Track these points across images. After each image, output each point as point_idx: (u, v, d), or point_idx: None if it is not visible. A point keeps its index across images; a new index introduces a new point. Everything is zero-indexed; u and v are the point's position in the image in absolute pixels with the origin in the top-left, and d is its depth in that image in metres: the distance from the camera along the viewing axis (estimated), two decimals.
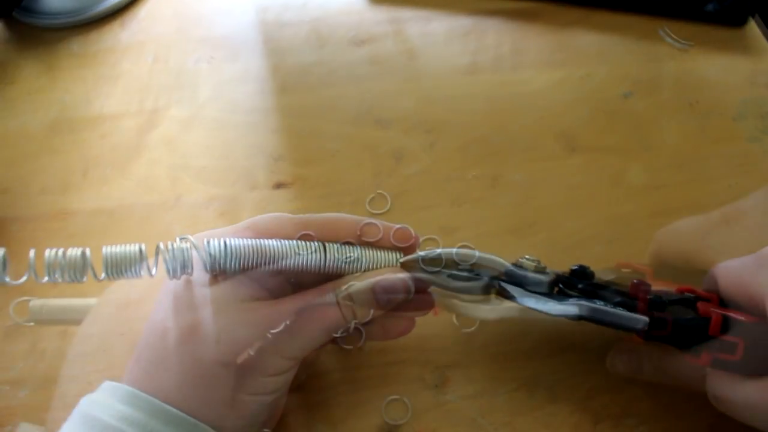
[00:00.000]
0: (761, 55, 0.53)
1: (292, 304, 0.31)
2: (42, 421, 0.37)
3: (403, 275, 0.33)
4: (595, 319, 0.32)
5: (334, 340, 0.39)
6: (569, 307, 0.32)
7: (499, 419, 0.37)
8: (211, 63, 0.54)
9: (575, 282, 0.34)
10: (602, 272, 0.36)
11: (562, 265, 0.42)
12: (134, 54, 0.55)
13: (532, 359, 0.39)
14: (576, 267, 0.35)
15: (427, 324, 0.40)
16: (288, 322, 0.34)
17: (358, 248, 0.33)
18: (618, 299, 0.33)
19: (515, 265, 0.35)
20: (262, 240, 0.32)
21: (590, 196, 0.46)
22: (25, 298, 0.40)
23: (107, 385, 0.30)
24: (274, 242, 0.32)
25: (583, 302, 0.32)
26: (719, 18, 0.54)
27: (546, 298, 0.33)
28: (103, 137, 0.50)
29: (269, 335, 0.34)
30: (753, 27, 0.55)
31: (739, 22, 0.55)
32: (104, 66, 0.54)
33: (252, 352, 0.31)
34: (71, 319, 0.37)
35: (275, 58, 0.55)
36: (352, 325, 0.39)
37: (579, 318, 0.32)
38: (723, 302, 0.33)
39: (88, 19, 0.57)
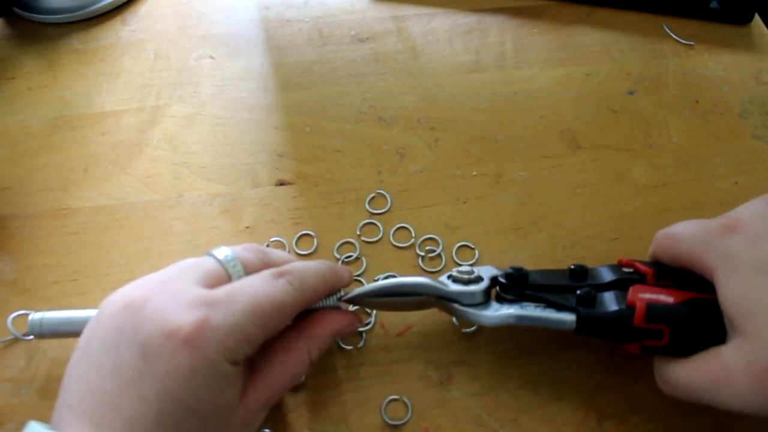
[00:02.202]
0: (766, 52, 0.53)
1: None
2: (43, 418, 0.37)
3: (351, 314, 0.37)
4: (527, 323, 0.34)
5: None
6: (502, 315, 0.34)
7: (504, 416, 0.37)
8: (212, 60, 0.54)
9: (509, 286, 0.35)
10: (604, 268, 0.36)
11: (566, 263, 0.42)
12: (135, 51, 0.55)
13: (537, 356, 0.39)
14: (510, 270, 0.35)
15: (431, 321, 0.40)
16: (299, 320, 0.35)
17: None
18: (556, 299, 0.34)
19: (449, 277, 0.36)
20: None
21: (594, 194, 0.46)
22: (23, 311, 0.39)
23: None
24: None
25: (513, 309, 0.34)
26: (724, 16, 0.54)
27: (481, 309, 0.35)
28: (104, 134, 0.50)
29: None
30: (758, 24, 0.55)
31: (743, 20, 0.54)
32: (105, 63, 0.54)
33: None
34: (73, 332, 0.36)
35: (277, 55, 0.54)
36: None
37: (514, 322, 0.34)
38: (660, 273, 0.34)
39: (89, 16, 0.57)
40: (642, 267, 0.35)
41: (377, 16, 0.57)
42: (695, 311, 0.32)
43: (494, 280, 0.36)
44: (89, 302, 0.40)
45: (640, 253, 0.42)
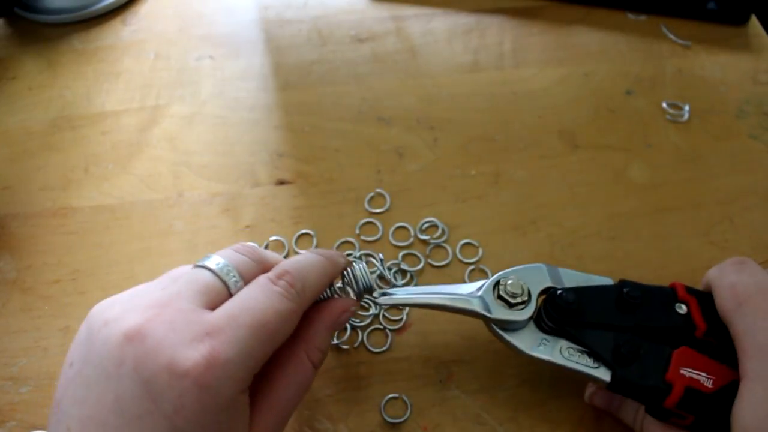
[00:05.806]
0: (763, 52, 0.54)
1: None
2: (44, 417, 0.37)
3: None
4: (561, 370, 0.32)
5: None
6: (539, 357, 0.32)
7: (503, 414, 0.37)
8: (212, 60, 0.54)
9: (554, 318, 0.33)
10: (656, 297, 0.33)
11: (565, 262, 0.42)
12: (136, 51, 0.55)
13: None
14: (560, 291, 0.33)
15: (431, 320, 0.40)
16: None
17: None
18: (597, 343, 0.32)
19: (495, 286, 0.34)
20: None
21: (592, 194, 0.46)
22: None
23: None
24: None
25: (549, 354, 0.32)
26: (721, 16, 0.55)
27: (518, 333, 0.33)
28: (104, 134, 0.50)
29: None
30: (754, 25, 0.55)
31: (740, 21, 0.55)
32: (105, 63, 0.54)
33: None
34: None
35: (277, 55, 0.55)
36: (348, 325, 0.39)
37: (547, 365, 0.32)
38: (711, 328, 0.32)
39: (90, 16, 0.57)
40: (697, 312, 0.32)
41: (376, 17, 0.57)
42: (730, 401, 0.29)
43: (543, 294, 0.34)
44: (89, 301, 0.40)
45: (638, 252, 0.43)
